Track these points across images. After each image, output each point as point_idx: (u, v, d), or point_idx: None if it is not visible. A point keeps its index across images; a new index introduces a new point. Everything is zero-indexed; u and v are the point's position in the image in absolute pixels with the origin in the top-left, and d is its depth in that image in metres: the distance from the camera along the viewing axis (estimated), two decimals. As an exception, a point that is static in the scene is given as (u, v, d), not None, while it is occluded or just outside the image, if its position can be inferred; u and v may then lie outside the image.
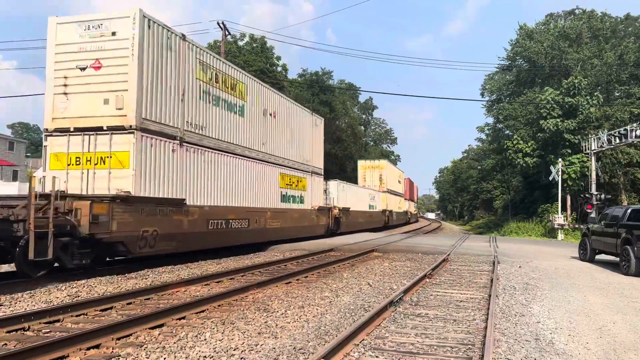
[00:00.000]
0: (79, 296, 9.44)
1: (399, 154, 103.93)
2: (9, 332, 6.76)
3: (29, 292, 9.71)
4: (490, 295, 9.65)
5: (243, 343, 6.34)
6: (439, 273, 13.42)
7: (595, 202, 32.49)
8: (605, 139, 34.10)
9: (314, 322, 7.56)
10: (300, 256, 16.87)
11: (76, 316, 7.78)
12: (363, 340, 6.57)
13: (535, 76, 48.55)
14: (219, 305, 8.66)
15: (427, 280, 12.02)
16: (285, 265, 14.72)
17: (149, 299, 9.30)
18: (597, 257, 17.50)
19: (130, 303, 8.85)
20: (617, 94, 45.80)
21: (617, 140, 33.20)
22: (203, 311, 8.20)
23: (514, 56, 50.76)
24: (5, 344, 6.26)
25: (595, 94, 40.45)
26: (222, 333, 6.80)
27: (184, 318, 7.70)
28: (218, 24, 32.10)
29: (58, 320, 7.48)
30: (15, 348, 5.87)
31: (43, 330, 6.93)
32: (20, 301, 8.94)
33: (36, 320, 7.21)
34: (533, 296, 10.23)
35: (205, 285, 10.92)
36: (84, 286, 10.43)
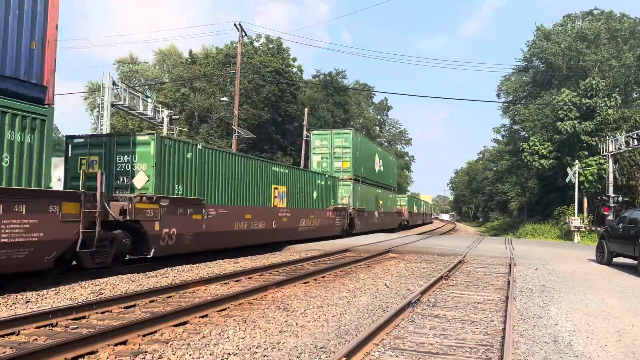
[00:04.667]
0: (102, 293, 9.66)
1: (413, 154, 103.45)
2: (37, 327, 6.98)
3: (53, 289, 9.96)
4: (507, 297, 9.70)
5: (265, 341, 6.48)
6: (455, 274, 13.46)
7: (612, 205, 32.22)
8: (623, 141, 33.79)
9: (334, 322, 7.69)
10: (317, 256, 17.00)
11: (101, 313, 7.99)
12: (383, 340, 6.67)
13: (552, 77, 48.15)
14: (240, 304, 8.82)
15: (444, 281, 12.08)
16: (302, 266, 14.85)
17: (170, 297, 9.49)
18: (615, 259, 17.39)
19: (152, 301, 9.05)
20: (636, 96, 45.26)
21: (635, 142, 32.89)
22: (224, 309, 8.36)
23: (531, 57, 50.36)
24: (36, 339, 6.47)
25: (614, 95, 40.03)
26: (244, 331, 6.95)
27: (206, 316, 7.87)
28: (235, 25, 32.34)
29: (84, 317, 7.69)
30: (48, 343, 6.06)
31: (70, 327, 7.14)
32: (46, 298, 9.18)
33: (63, 317, 7.42)
34: (550, 298, 10.25)
35: (224, 284, 11.10)
36: (106, 284, 10.66)
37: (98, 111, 31.06)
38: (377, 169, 37.01)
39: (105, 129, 22.16)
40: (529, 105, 48.40)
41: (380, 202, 37.39)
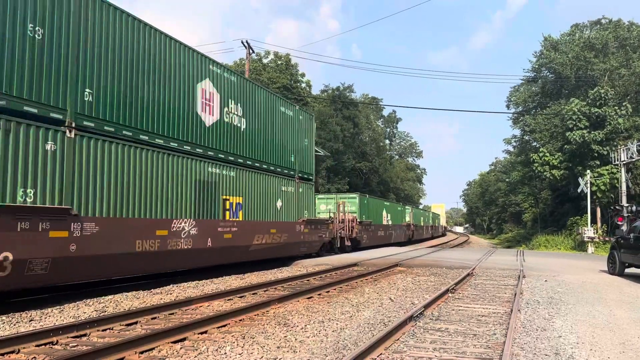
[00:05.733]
0: (105, 311, 9.69)
1: (425, 167, 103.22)
2: (37, 345, 7.01)
3: (58, 307, 10.02)
4: (512, 310, 9.57)
5: (262, 357, 6.46)
6: (462, 287, 13.33)
7: (626, 214, 31.79)
8: (635, 150, 33.45)
9: (333, 337, 7.63)
10: (323, 271, 16.94)
11: (102, 330, 8.01)
12: (381, 354, 6.61)
13: (562, 87, 47.96)
14: (240, 320, 8.79)
15: (450, 294, 11.96)
16: (308, 280, 14.80)
17: (173, 313, 9.49)
18: (627, 270, 17.13)
19: (154, 318, 9.06)
20: (647, 104, 44.89)
21: (648, 151, 32.53)
22: (224, 325, 8.34)
23: (539, 68, 50.29)
24: (35, 357, 6.50)
25: (624, 104, 39.73)
26: (242, 347, 6.93)
27: (205, 332, 7.85)
28: (242, 42, 32.73)
29: (85, 335, 7.71)
30: (43, 361, 6.09)
31: (70, 344, 7.16)
32: (49, 316, 9.23)
33: (64, 335, 7.45)
34: (557, 310, 10.10)
35: (228, 300, 11.09)
36: (110, 301, 10.70)
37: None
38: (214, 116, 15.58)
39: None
40: (538, 116, 48.17)
41: (235, 200, 16.42)
